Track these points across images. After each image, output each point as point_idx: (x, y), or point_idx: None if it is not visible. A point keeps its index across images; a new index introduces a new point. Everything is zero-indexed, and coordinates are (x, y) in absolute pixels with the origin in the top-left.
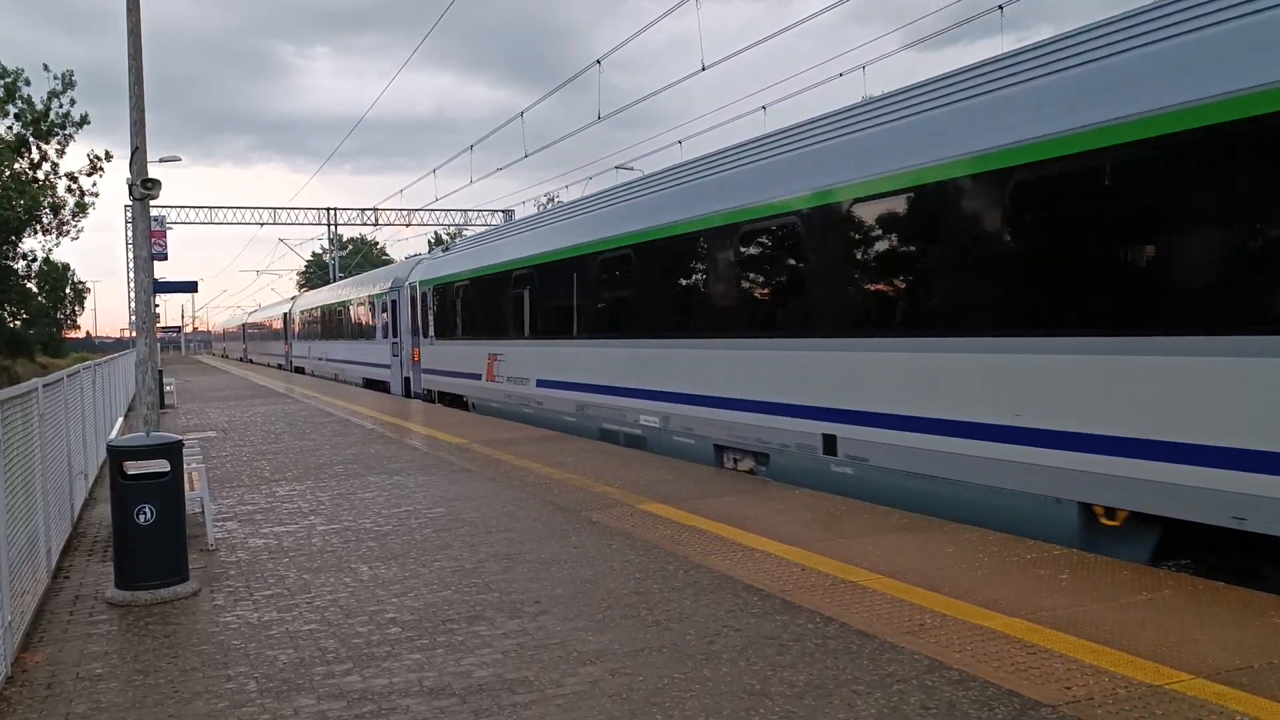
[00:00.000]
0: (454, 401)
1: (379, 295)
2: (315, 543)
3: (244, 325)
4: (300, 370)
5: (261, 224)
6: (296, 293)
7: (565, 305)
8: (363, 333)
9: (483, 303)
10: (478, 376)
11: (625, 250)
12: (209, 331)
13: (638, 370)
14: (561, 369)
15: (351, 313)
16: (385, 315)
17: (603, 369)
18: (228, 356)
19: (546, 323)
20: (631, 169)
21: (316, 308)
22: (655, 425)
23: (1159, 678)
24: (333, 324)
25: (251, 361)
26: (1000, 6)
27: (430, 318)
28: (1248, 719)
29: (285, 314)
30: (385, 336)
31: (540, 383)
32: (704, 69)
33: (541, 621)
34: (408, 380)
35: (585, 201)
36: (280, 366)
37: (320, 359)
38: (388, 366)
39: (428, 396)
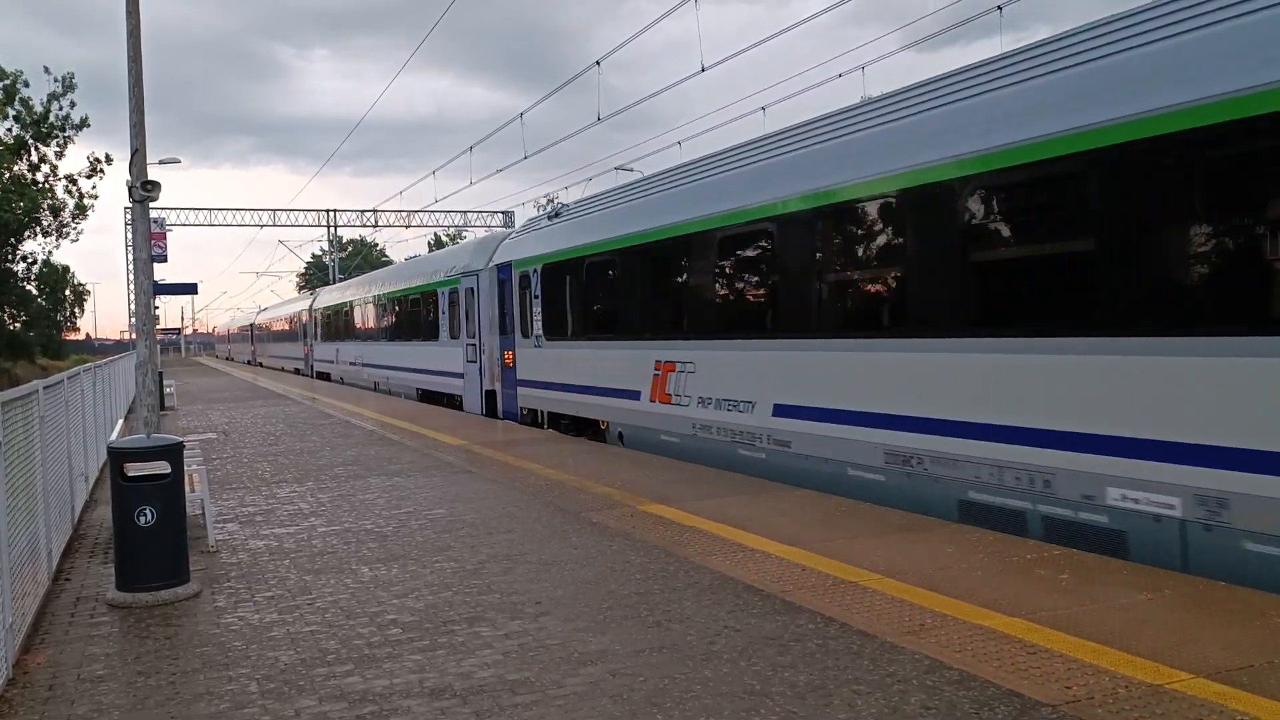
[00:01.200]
0: (579, 428)
1: (444, 284)
2: (316, 544)
3: (252, 325)
4: (324, 377)
5: (261, 226)
6: (287, 292)
7: (876, 277)
8: (418, 332)
9: (644, 285)
10: (633, 394)
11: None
12: (211, 333)
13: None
14: (859, 388)
15: (400, 307)
16: (455, 309)
17: (991, 390)
18: (233, 360)
19: (816, 310)
20: (631, 170)
21: (347, 304)
22: (1170, 512)
23: (1159, 677)
24: (371, 322)
25: (262, 365)
26: (999, 7)
27: (535, 310)
28: (1248, 718)
29: (304, 311)
30: (454, 337)
31: (788, 410)
32: (703, 70)
33: (542, 622)
34: (491, 394)
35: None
36: (298, 371)
37: (354, 364)
38: (459, 375)
39: (528, 418)
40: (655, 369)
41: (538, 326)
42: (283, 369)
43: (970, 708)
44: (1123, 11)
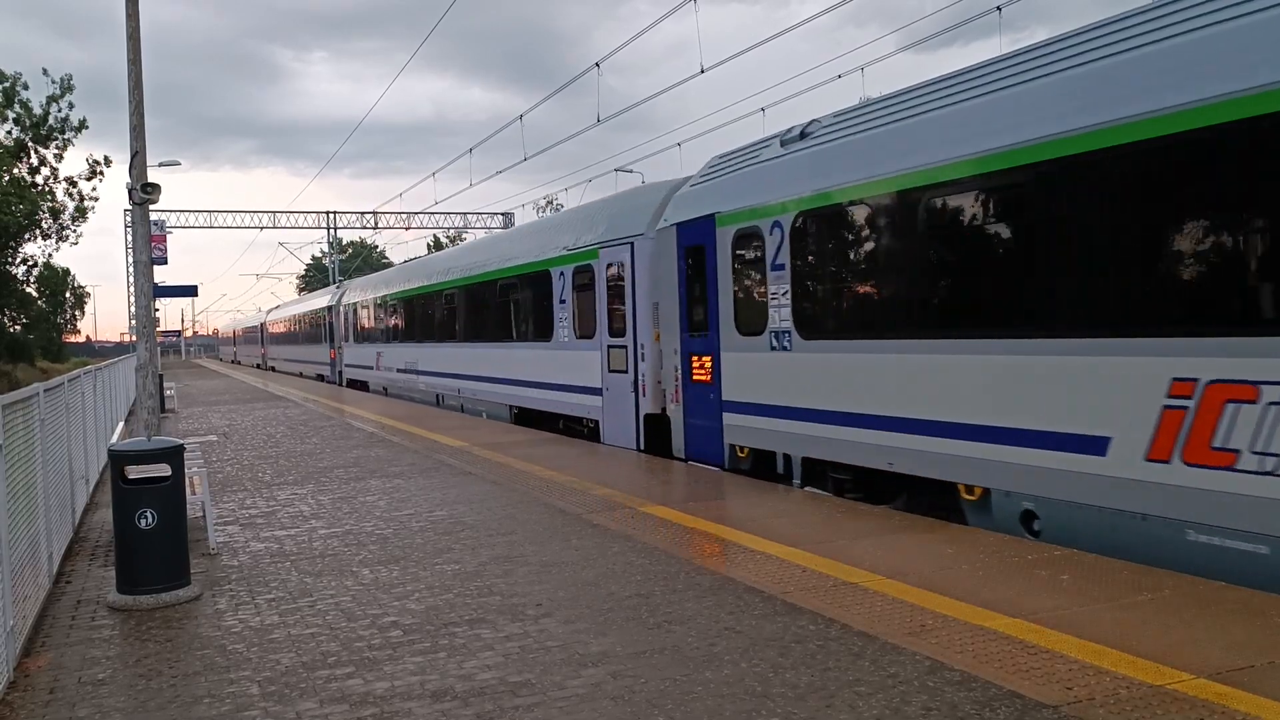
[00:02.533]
0: (875, 488)
1: (564, 261)
2: (317, 546)
3: (262, 325)
4: (358, 385)
5: (261, 228)
6: (287, 294)
7: None
8: (516, 329)
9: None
10: (1089, 444)
11: None
12: (214, 334)
13: None
14: None
15: (483, 298)
16: (587, 297)
17: None
18: (239, 363)
19: None
20: (631, 171)
21: (394, 296)
22: None
23: (1160, 678)
24: (434, 318)
25: (274, 370)
26: (999, 8)
27: (777, 290)
28: (1250, 719)
29: (329, 307)
30: (585, 335)
31: None
32: (703, 71)
33: (543, 624)
34: (656, 422)
35: None
36: (321, 379)
37: (404, 371)
38: (593, 392)
39: (744, 462)
40: (1178, 396)
41: (781, 317)
42: (300, 375)
43: (972, 709)
44: None
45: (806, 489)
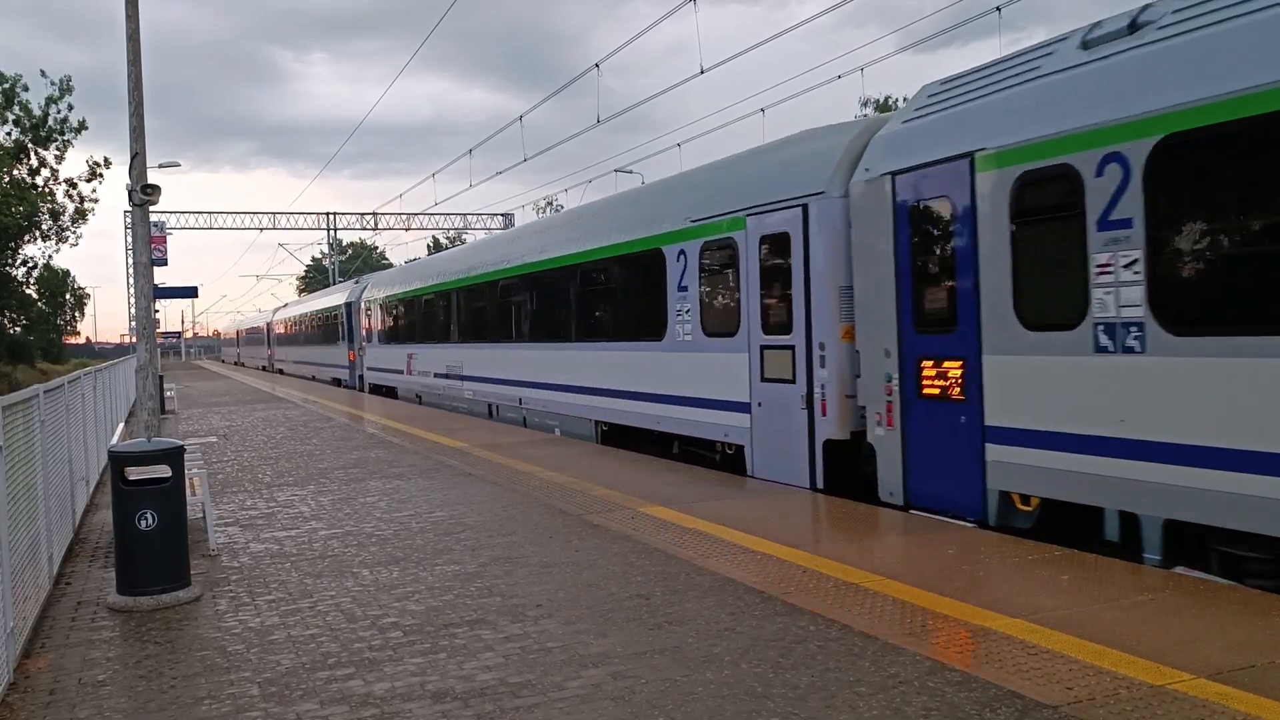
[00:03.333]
0: None
1: (685, 236)
2: (317, 547)
3: (269, 325)
4: (383, 392)
5: (261, 229)
6: (287, 295)
7: None
8: (609, 326)
9: None
10: None
11: None
12: (215, 335)
13: None
14: None
15: (556, 287)
16: (714, 284)
17: None
18: (242, 365)
19: None
20: (631, 172)
21: (429, 290)
22: None
23: (1161, 678)
24: (485, 314)
25: (282, 373)
26: (998, 8)
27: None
28: (1250, 719)
29: (346, 305)
30: (714, 333)
31: None
32: (702, 72)
33: (543, 625)
34: (844, 451)
35: None
36: (338, 382)
37: (444, 377)
38: (736, 408)
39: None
40: None
41: (1119, 302)
42: (313, 379)
43: (972, 709)
44: None
45: (1176, 570)
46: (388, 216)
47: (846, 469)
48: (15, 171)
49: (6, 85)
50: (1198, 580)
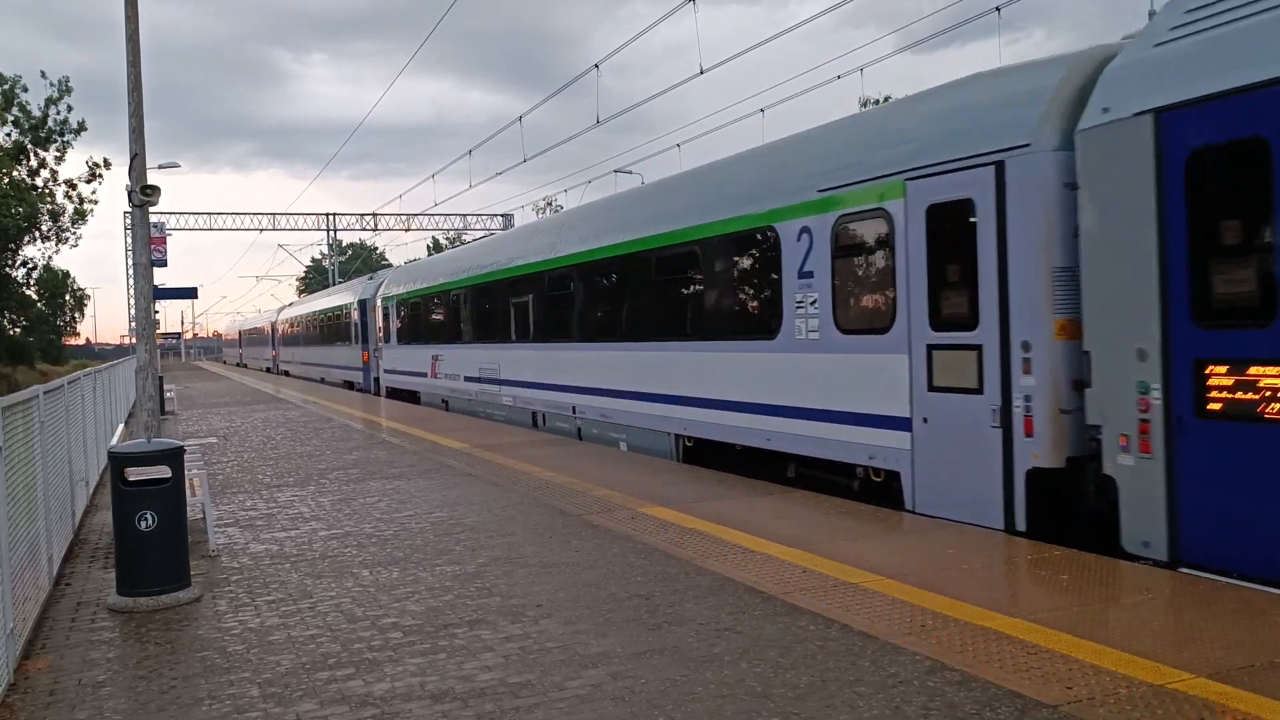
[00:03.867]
0: None
1: (836, 203)
2: (317, 548)
3: (273, 325)
4: (403, 396)
5: (261, 230)
6: (287, 296)
7: None
8: (706, 319)
9: None
10: None
11: None
12: (215, 336)
13: None
14: None
15: (629, 274)
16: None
17: None
18: (245, 366)
19: None
20: (630, 172)
21: (461, 284)
22: None
23: (1160, 677)
24: (531, 310)
25: (287, 374)
26: (998, 8)
27: None
28: (1250, 718)
29: (359, 302)
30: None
31: None
32: (702, 72)
33: (543, 625)
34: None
35: None
36: (350, 385)
37: (478, 380)
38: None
39: None
40: None
41: None
42: (321, 381)
43: (972, 708)
44: None
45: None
46: (387, 217)
47: (1050, 505)
48: (15, 172)
49: (6, 86)
50: (1198, 580)
